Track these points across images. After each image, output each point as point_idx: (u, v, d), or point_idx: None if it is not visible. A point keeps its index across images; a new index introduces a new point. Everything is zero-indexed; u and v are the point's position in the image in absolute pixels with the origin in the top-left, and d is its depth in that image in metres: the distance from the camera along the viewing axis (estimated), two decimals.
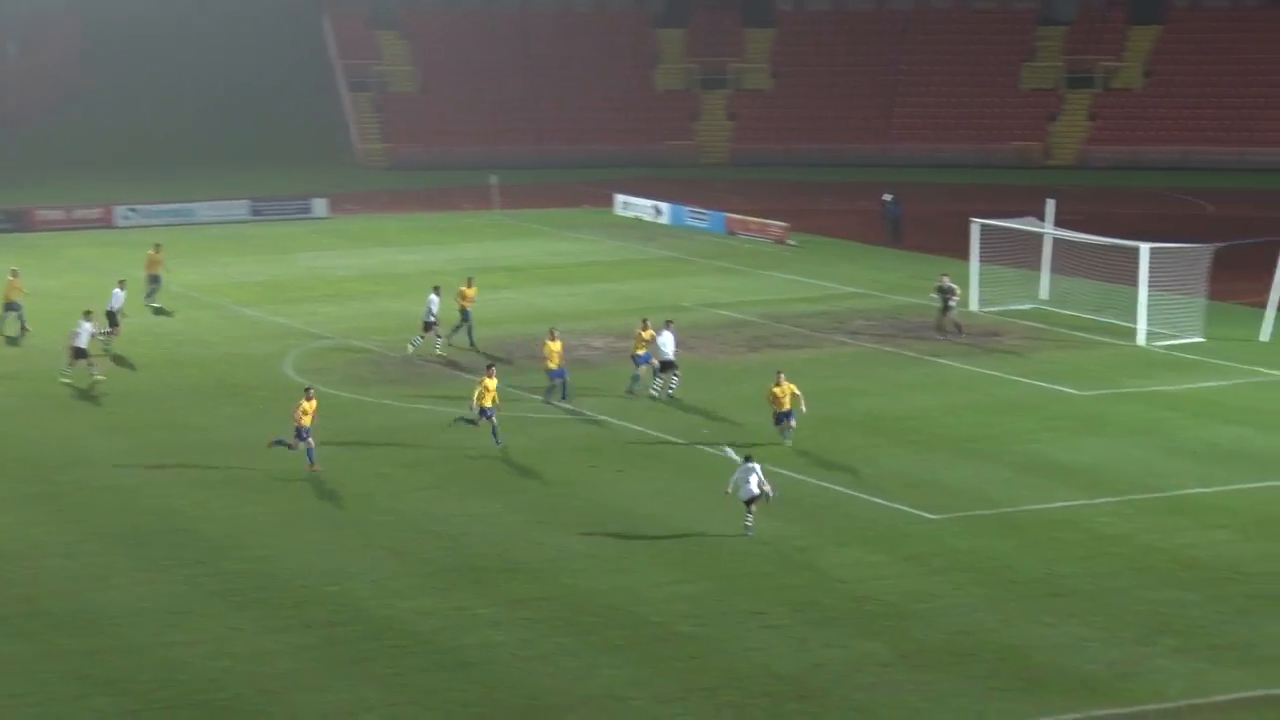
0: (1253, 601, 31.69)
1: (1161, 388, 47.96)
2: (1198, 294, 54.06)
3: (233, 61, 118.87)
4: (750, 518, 34.99)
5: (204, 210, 79.82)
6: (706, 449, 41.30)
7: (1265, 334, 53.53)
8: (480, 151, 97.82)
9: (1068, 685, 28.16)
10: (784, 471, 39.10)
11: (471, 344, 52.02)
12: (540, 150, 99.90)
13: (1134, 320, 53.57)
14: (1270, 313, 53.93)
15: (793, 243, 72.58)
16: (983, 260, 58.64)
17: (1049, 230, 59.03)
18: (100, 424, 44.60)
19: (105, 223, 77.99)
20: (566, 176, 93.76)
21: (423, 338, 51.61)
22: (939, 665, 28.89)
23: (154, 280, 58.88)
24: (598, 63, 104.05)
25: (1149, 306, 53.35)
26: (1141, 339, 53.09)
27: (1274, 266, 53.86)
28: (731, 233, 75.59)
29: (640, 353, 46.46)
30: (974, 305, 57.34)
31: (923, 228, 74.03)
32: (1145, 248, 53.72)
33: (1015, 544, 34.88)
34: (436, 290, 52.37)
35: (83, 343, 48.01)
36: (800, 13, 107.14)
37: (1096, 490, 38.36)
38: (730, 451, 37.84)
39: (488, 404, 41.22)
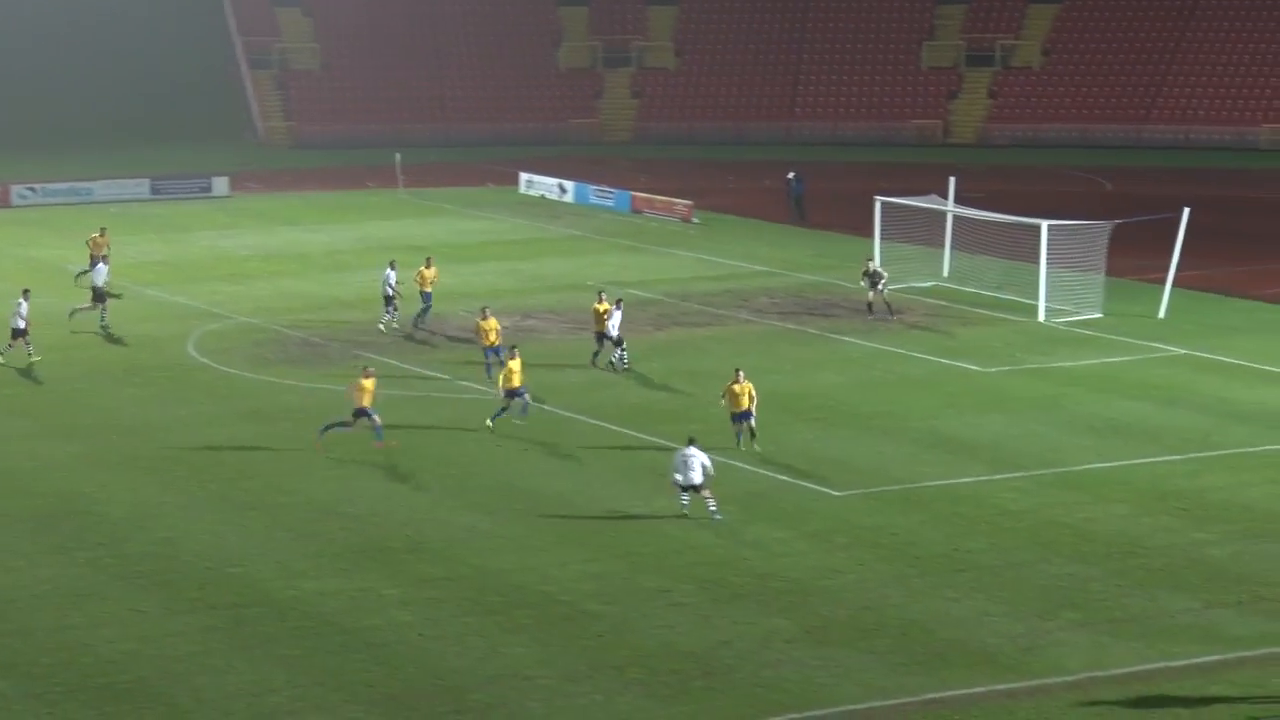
0: (1151, 575, 32.09)
1: (1062, 364, 48.44)
2: (1097, 271, 54.61)
3: (131, 38, 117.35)
4: (710, 504, 34.73)
5: (102, 189, 78.89)
6: (611, 427, 41.30)
7: (1163, 310, 54.17)
8: (384, 129, 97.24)
9: (971, 660, 28.40)
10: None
11: (415, 325, 51.19)
12: (445, 128, 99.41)
13: (1035, 297, 54.05)
14: (1168, 289, 54.57)
15: (697, 221, 72.65)
16: (885, 238, 58.96)
17: (950, 208, 59.42)
18: (0, 406, 44.07)
19: (2, 202, 76.89)
20: (471, 155, 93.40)
21: (390, 314, 51.51)
22: (844, 641, 29.07)
23: (96, 262, 57.97)
24: (502, 41, 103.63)
25: (1049, 283, 53.85)
26: (1042, 315, 53.58)
27: (1171, 243, 54.52)
28: (636, 211, 75.55)
29: (600, 330, 46.73)
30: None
31: (826, 206, 74.33)
32: (1045, 225, 54.22)
33: (919, 520, 35.13)
34: (393, 265, 52.21)
35: (21, 323, 47.34)
36: None
37: (999, 466, 38.69)
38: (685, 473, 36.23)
39: (517, 384, 41.01)
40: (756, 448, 38.95)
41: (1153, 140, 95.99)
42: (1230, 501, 36.30)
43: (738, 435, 39.32)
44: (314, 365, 48.11)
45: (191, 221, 72.89)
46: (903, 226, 59.23)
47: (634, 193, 76.84)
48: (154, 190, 79.65)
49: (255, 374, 47.04)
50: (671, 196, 75.19)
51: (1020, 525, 34.87)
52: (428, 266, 52.35)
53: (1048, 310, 53.72)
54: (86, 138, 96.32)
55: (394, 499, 36.51)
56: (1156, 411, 43.36)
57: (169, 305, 56.43)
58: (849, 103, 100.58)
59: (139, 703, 26.99)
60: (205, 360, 48.70)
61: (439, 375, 46.69)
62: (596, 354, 47.11)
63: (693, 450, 34.92)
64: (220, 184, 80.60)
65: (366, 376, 40.00)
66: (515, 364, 41.32)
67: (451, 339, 51.21)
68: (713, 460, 35.16)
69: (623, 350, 46.87)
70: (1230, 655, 28.54)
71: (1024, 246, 55.63)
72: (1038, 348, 50.39)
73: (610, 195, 77.64)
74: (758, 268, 62.80)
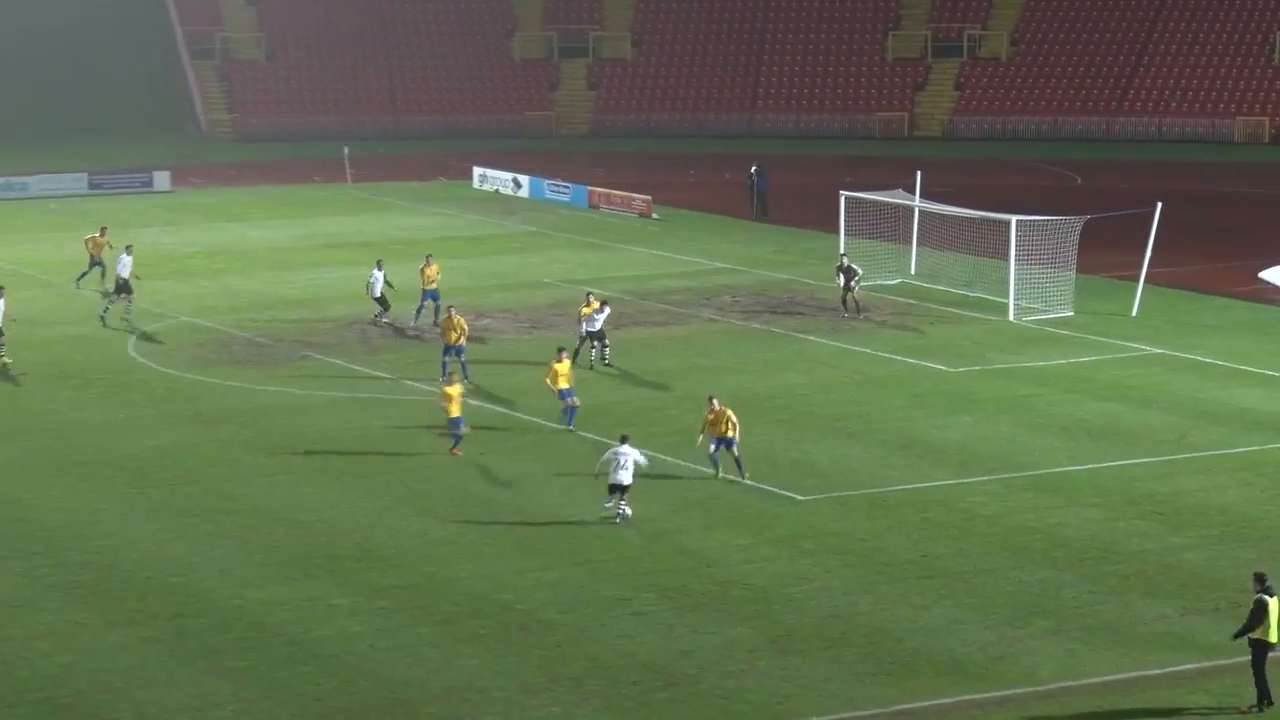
0: (1125, 581, 32.19)
1: (1032, 363, 48.58)
2: (1068, 268, 54.79)
3: (68, 26, 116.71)
4: (622, 504, 34.84)
5: (38, 184, 78.50)
6: (564, 429, 41.23)
7: (1135, 308, 54.38)
8: (332, 122, 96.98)
9: (940, 669, 28.43)
10: (650, 452, 39.14)
11: (432, 324, 51.32)
12: (395, 121, 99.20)
13: (1004, 295, 54.19)
14: (1140, 286, 54.79)
15: (657, 216, 72.64)
16: (850, 234, 59.03)
17: (917, 203, 59.55)
18: None
19: None
20: (422, 148, 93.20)
21: (381, 312, 51.85)
22: (809, 650, 29.07)
23: (94, 263, 57.66)
24: (454, 30, 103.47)
25: (1018, 281, 54.01)
26: (1012, 314, 53.73)
27: (1144, 239, 54.73)
28: (594, 206, 75.50)
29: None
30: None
31: (789, 201, 74.43)
32: (1014, 220, 54.38)
33: (886, 525, 35.16)
34: (379, 265, 52.43)
35: None
36: None
37: (968, 469, 38.77)
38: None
39: (565, 385, 40.93)
40: (746, 479, 37.28)
41: (1124, 133, 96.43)
42: (1205, 504, 36.45)
43: (715, 461, 37.39)
44: (259, 366, 47.91)
45: (131, 217, 72.44)
46: (868, 222, 59.32)
47: (591, 187, 76.79)
48: (92, 185, 79.30)
49: (198, 375, 46.82)
50: (630, 191, 75.16)
51: (990, 530, 34.94)
52: (428, 265, 52.36)
53: (1017, 308, 53.86)
54: (21, 131, 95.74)
55: (343, 505, 36.37)
56: (1130, 412, 43.51)
57: None
58: (813, 94, 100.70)
59: (77, 718, 26.80)
60: (146, 361, 48.45)
61: (385, 375, 46.52)
62: (604, 351, 47.05)
63: (625, 449, 34.90)
64: (161, 178, 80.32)
65: (449, 384, 39.58)
66: (563, 366, 41.26)
67: (406, 339, 51.11)
68: (648, 456, 35.07)
69: (605, 346, 47.07)
70: (1207, 663, 28.64)
71: (993, 243, 55.79)
72: (1008, 347, 50.53)
73: (566, 190, 77.56)
74: (719, 265, 62.81)
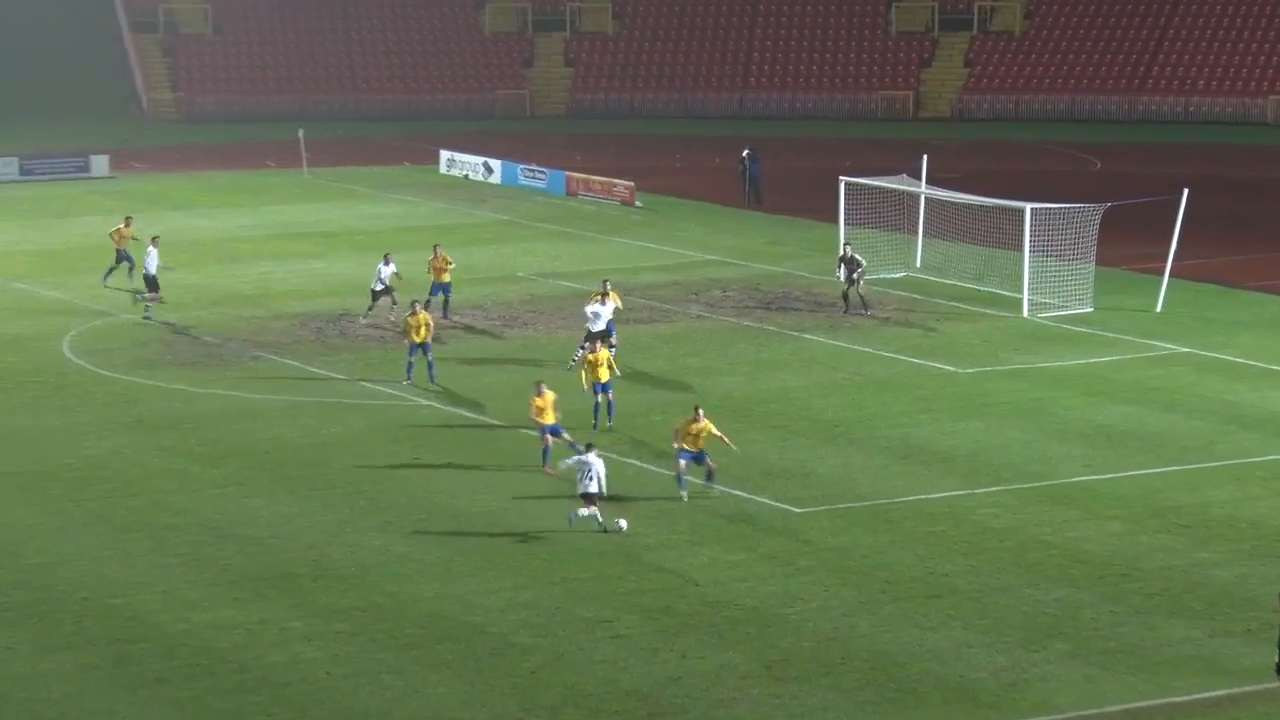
0: (1149, 601, 32.31)
1: (1048, 364, 48.74)
2: (1086, 260, 54.97)
3: None
4: (592, 511, 34.90)
5: None
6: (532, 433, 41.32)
7: (1160, 304, 54.57)
8: (286, 101, 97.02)
9: (948, 696, 28.53)
10: (632, 461, 39.25)
11: (448, 318, 51.80)
12: (354, 100, 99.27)
13: (1017, 289, 54.37)
14: (1165, 280, 54.98)
15: (640, 204, 72.78)
16: (850, 223, 59.18)
17: (923, 190, 59.70)
18: None
19: None
20: (385, 130, 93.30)
21: (374, 309, 52.10)
22: (806, 676, 29.16)
23: (122, 258, 57.58)
24: (418, 1, 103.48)
25: (1033, 274, 54.19)
26: (1026, 310, 53.91)
27: (1169, 229, 54.92)
28: (572, 193, 75.64)
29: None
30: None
31: (784, 187, 74.61)
32: (1029, 208, 54.54)
33: (889, 539, 35.27)
34: (387, 259, 52.66)
35: None
36: None
37: (978, 479, 38.89)
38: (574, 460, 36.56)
39: (605, 379, 41.15)
40: (716, 489, 37.36)
41: (1148, 113, 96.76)
42: (1236, 517, 36.60)
43: (682, 484, 36.98)
44: (206, 368, 47.94)
45: (67, 206, 72.52)
46: (870, 210, 59.46)
47: (569, 173, 76.95)
48: (23, 171, 79.38)
49: (139, 378, 46.84)
50: (611, 177, 75.32)
51: (1002, 545, 35.05)
52: (434, 255, 52.66)
53: (1032, 304, 54.04)
54: None
55: (297, 519, 36.42)
56: (1153, 417, 43.67)
57: (41, 301, 56.19)
58: (810, 71, 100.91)
59: None
60: (82, 363, 48.46)
61: (342, 377, 46.56)
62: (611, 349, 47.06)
63: (591, 457, 35.03)
64: (99, 163, 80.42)
65: (539, 394, 39.13)
66: (604, 354, 41.58)
67: (340, 337, 51.19)
68: (607, 471, 35.17)
69: (613, 346, 47.08)
70: (1236, 689, 28.75)
71: (1005, 233, 55.95)
72: (1021, 346, 50.69)
73: (542, 175, 77.69)
74: (709, 256, 62.94)
